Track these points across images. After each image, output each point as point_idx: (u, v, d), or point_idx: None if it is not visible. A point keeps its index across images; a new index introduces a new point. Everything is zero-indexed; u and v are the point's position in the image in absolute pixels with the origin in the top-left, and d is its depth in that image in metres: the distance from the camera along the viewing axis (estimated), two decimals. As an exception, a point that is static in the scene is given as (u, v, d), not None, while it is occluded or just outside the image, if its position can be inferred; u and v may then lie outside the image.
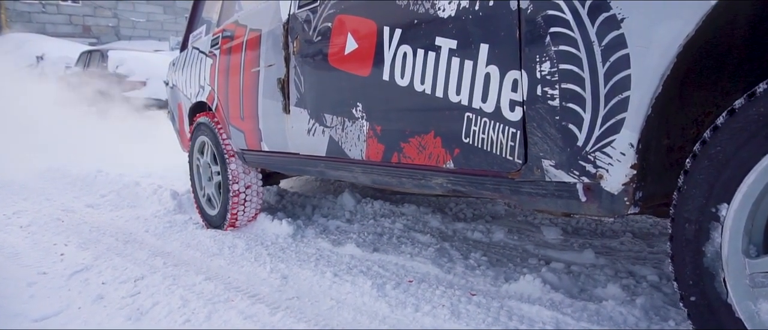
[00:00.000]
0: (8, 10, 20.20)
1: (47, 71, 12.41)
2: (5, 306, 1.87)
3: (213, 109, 2.84)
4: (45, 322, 1.77)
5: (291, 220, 2.70)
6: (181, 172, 4.41)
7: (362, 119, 1.74)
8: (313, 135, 2.00)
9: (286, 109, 2.14)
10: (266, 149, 2.40)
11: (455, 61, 1.37)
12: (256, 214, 2.80)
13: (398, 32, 1.55)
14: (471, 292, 1.76)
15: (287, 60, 2.12)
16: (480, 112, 1.33)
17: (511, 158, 1.28)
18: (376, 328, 1.52)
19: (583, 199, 1.16)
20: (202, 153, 3.05)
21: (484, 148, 1.33)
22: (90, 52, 10.82)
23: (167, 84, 3.83)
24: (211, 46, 2.89)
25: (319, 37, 1.92)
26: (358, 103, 1.74)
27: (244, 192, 2.70)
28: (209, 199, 2.99)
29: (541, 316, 1.55)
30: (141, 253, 2.41)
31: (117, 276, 2.10)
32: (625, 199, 1.09)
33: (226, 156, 2.68)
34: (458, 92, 1.37)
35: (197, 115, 3.06)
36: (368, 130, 1.72)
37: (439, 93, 1.43)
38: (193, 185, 3.20)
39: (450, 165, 1.45)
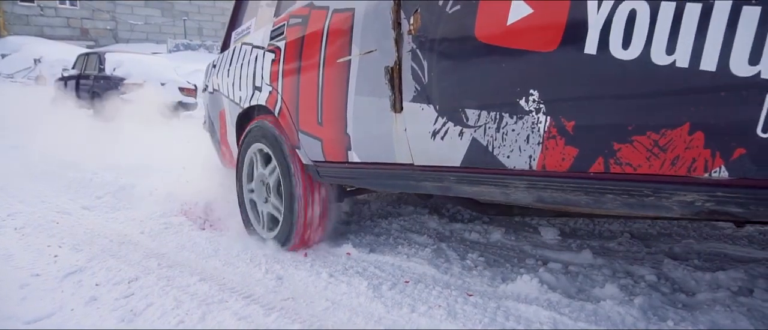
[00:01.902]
0: (6, 13, 20.20)
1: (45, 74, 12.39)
2: (-3, 308, 1.85)
3: (276, 114, 2.35)
4: (37, 324, 1.75)
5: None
6: (176, 174, 4.40)
7: (538, 113, 1.26)
8: (443, 138, 1.52)
9: (396, 107, 1.67)
10: (356, 160, 1.93)
11: (750, 12, 0.90)
12: (323, 234, 2.41)
13: None
14: (468, 293, 1.75)
15: (398, 43, 1.64)
16: None
17: None
18: (371, 328, 1.51)
19: None
20: (253, 166, 2.60)
21: None
22: (87, 54, 10.81)
23: (205, 89, 3.32)
24: (272, 39, 2.42)
25: (457, 7, 1.45)
26: (531, 91, 1.26)
27: (316, 211, 2.29)
28: (262, 217, 2.57)
29: (538, 316, 1.54)
30: (135, 255, 2.38)
31: (111, 277, 2.08)
32: None
33: (294, 170, 2.26)
34: (756, 61, 0.91)
35: (253, 119, 2.60)
36: (548, 129, 1.25)
37: (710, 65, 0.96)
38: (241, 203, 2.72)
39: (721, 174, 0.99)
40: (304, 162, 2.24)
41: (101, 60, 10.08)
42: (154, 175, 4.52)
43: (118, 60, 10.14)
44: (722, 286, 1.73)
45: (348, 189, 2.45)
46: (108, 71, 9.80)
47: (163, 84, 9.97)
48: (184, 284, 1.94)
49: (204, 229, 2.86)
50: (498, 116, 1.36)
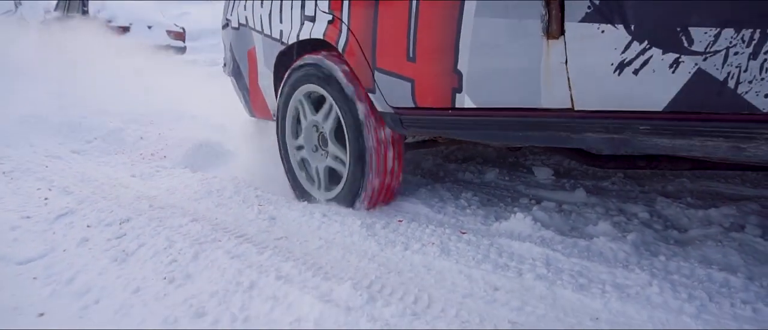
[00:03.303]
0: (-18, -48, 19.30)
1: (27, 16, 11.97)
2: (-12, 249, 1.84)
3: (340, 50, 1.94)
4: (29, 266, 1.75)
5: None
6: (167, 118, 4.34)
7: None
8: (637, 72, 1.15)
9: (552, 30, 1.27)
10: (470, 105, 1.54)
11: None
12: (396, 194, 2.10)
13: None
14: (461, 231, 1.75)
15: None
16: None
17: None
18: (365, 265, 1.51)
19: None
20: (300, 114, 2.20)
21: None
22: (70, -4, 10.41)
23: (226, 25, 2.81)
24: None
25: None
26: None
27: (390, 167, 1.96)
28: (317, 176, 2.18)
29: (531, 252, 1.54)
30: (127, 197, 2.36)
31: (102, 219, 2.07)
32: None
33: (364, 120, 1.89)
34: None
35: (298, 57, 2.17)
36: None
37: None
38: (287, 163, 2.32)
39: None
40: (379, 109, 1.87)
41: (84, 2, 9.73)
42: (145, 119, 4.46)
43: (102, 2, 9.79)
44: (714, 222, 1.74)
45: (409, 140, 2.09)
46: (92, 14, 9.48)
47: (149, 27, 9.69)
48: (176, 224, 1.93)
49: (196, 171, 2.83)
50: (756, 35, 0.96)
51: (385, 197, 2.03)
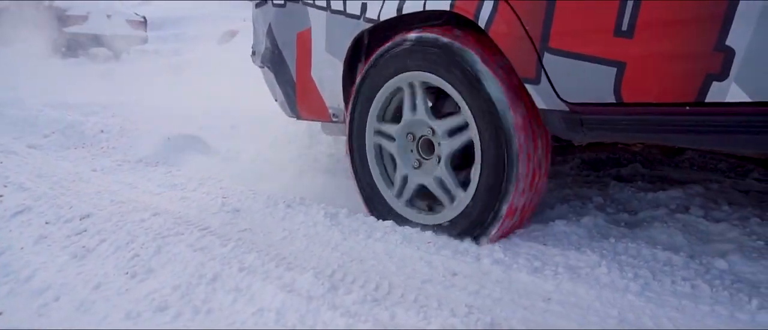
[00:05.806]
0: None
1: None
2: (-60, 249, 1.79)
3: (484, 25, 1.44)
4: (-15, 264, 1.71)
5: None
6: (129, 110, 4.25)
7: None
8: None
9: None
10: (739, 98, 1.08)
11: None
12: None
13: None
14: (423, 218, 1.78)
15: None
16: None
17: None
18: (328, 255, 1.53)
19: None
20: (389, 105, 1.75)
21: None
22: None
23: (263, 2, 2.21)
24: None
25: None
26: None
27: (538, 182, 1.54)
28: (406, 189, 1.72)
29: (489, 238, 1.59)
30: (87, 192, 2.32)
31: (61, 215, 2.03)
32: None
33: (512, 123, 1.42)
34: None
35: (387, 38, 1.69)
36: None
37: None
38: (361, 161, 1.84)
39: None
40: (541, 107, 1.41)
41: (38, -10, 9.36)
42: (106, 111, 4.36)
43: (57, -10, 9.44)
44: (662, 204, 1.82)
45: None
46: (47, 3, 9.14)
47: (108, 16, 9.41)
48: (138, 219, 1.91)
49: (158, 165, 2.79)
50: None
51: (520, 224, 1.62)
